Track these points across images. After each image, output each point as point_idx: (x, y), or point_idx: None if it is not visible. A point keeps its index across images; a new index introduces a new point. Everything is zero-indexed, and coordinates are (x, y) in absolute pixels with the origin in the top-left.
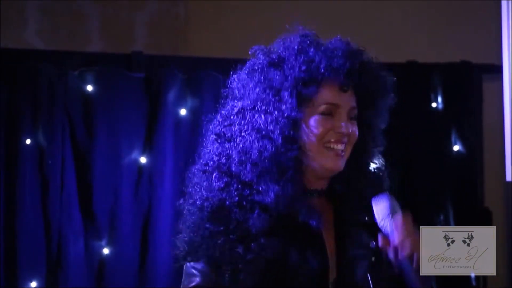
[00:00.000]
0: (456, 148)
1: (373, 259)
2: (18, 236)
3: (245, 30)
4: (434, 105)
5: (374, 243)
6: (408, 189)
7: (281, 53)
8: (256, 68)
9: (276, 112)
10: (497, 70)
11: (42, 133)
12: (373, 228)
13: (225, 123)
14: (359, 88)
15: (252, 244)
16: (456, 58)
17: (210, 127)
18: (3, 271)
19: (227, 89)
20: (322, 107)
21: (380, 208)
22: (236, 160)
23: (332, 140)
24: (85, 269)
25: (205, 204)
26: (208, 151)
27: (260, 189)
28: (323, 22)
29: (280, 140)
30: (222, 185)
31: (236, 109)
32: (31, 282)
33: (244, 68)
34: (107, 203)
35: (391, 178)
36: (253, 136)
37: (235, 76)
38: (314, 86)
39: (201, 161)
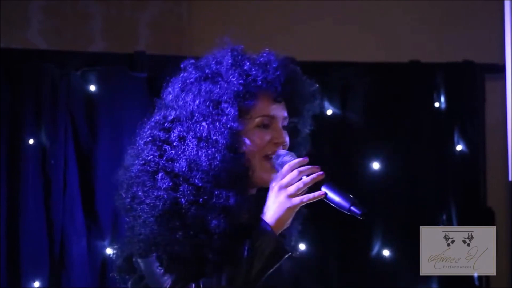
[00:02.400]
0: (459, 148)
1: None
2: (21, 236)
3: (248, 30)
4: (436, 105)
5: (298, 253)
6: (410, 189)
7: (214, 67)
8: (192, 81)
9: (217, 123)
10: (500, 69)
11: (45, 133)
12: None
13: (161, 127)
14: (288, 97)
15: (214, 237)
16: (458, 58)
17: (144, 129)
18: (6, 271)
19: (158, 100)
20: (259, 119)
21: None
22: (184, 166)
23: (270, 152)
24: (88, 269)
25: (157, 202)
26: (145, 150)
27: (219, 194)
28: (325, 22)
29: (226, 149)
30: (170, 185)
31: (170, 117)
32: (34, 282)
33: (177, 80)
34: (109, 203)
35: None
36: (197, 143)
37: (168, 88)
38: (252, 99)
39: (139, 160)
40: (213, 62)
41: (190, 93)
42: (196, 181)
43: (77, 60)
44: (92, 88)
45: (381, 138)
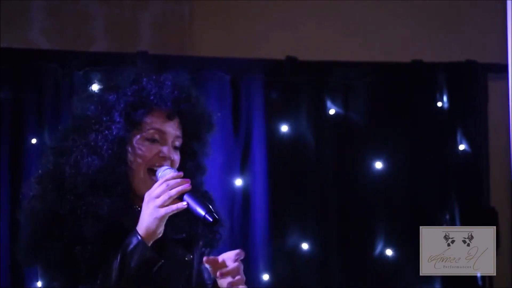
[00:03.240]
0: (461, 147)
1: (187, 272)
2: None
3: (250, 29)
4: (439, 104)
5: (191, 256)
6: (413, 189)
7: (120, 82)
8: (96, 91)
9: (106, 131)
10: (503, 69)
11: (47, 132)
12: (191, 243)
13: (62, 137)
14: (185, 119)
15: (87, 246)
16: (461, 58)
17: (53, 139)
18: (10, 271)
19: (73, 109)
20: (149, 132)
21: None
22: (69, 172)
23: (156, 165)
24: None
25: (40, 213)
26: (44, 163)
27: (93, 201)
28: (328, 22)
29: (107, 156)
30: (54, 196)
31: (72, 126)
32: (37, 281)
33: (90, 89)
34: None
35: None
36: (84, 151)
37: (82, 95)
38: (142, 111)
39: (38, 171)
40: (120, 77)
41: (90, 101)
42: (76, 188)
43: (79, 60)
44: (95, 88)
45: (383, 137)
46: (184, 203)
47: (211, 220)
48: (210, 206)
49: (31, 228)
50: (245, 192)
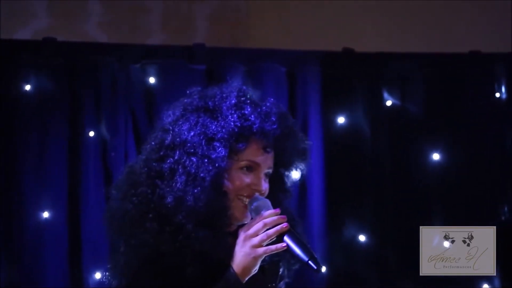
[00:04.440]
0: None
1: None
2: (82, 228)
3: (306, 21)
4: (497, 95)
5: (273, 284)
6: (470, 181)
7: (217, 102)
8: (193, 109)
9: (206, 160)
10: None
11: (105, 125)
12: (272, 269)
13: (156, 156)
14: (280, 149)
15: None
16: None
17: (141, 156)
18: (69, 262)
19: (159, 120)
20: (244, 163)
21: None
22: (171, 202)
23: (245, 194)
24: None
25: (141, 246)
26: (136, 180)
27: (196, 235)
28: (384, 13)
29: (212, 189)
30: (157, 228)
31: (166, 142)
32: (95, 273)
33: (180, 104)
34: None
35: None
36: (185, 179)
37: (170, 110)
38: (244, 143)
39: (136, 197)
40: (218, 97)
41: (187, 123)
42: (179, 218)
43: (136, 53)
44: (151, 80)
45: (440, 129)
46: (284, 244)
47: (315, 267)
48: (311, 250)
49: (129, 260)
50: (302, 184)
